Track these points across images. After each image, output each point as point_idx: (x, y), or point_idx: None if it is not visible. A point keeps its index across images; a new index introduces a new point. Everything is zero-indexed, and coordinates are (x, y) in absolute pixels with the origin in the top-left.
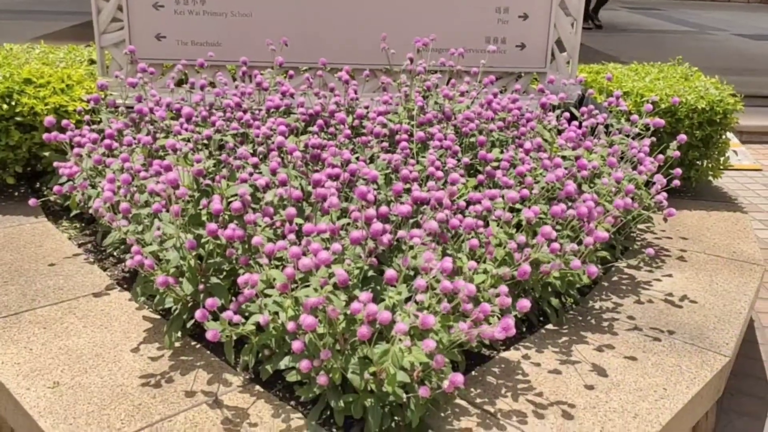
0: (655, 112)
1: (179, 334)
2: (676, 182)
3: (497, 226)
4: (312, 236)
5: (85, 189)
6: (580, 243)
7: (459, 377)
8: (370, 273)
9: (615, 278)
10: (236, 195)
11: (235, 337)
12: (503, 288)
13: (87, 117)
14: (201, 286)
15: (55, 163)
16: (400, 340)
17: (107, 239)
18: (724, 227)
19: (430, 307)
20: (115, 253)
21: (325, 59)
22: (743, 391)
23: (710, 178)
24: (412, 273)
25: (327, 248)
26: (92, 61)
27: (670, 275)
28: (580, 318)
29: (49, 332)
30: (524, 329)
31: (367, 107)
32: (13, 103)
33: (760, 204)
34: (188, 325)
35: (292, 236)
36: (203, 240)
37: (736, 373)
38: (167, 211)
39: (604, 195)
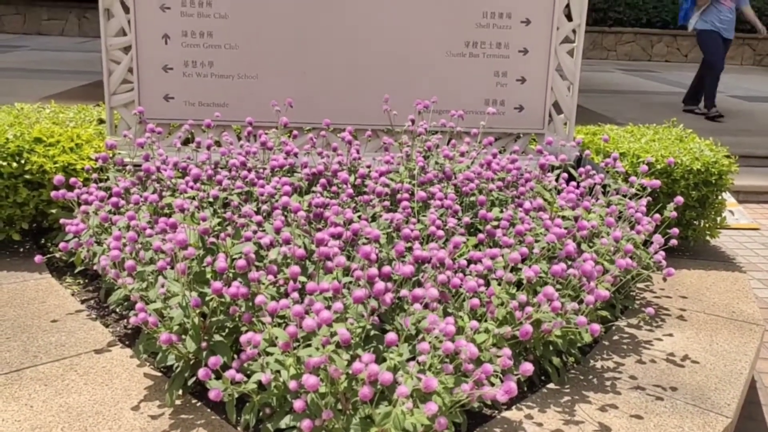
0: (651, 173)
1: (180, 392)
2: (674, 241)
3: (498, 285)
4: (315, 295)
5: (90, 246)
6: (581, 302)
7: None
8: (372, 332)
9: (616, 337)
10: (241, 253)
11: (236, 395)
12: (506, 351)
13: (95, 175)
14: (204, 344)
15: (62, 220)
16: (402, 402)
17: (112, 297)
18: (723, 287)
19: (431, 368)
20: (117, 310)
21: (328, 120)
22: None
23: (708, 237)
24: (413, 332)
25: (329, 307)
26: (101, 121)
27: (670, 335)
28: (582, 377)
29: (50, 389)
30: (525, 388)
31: (369, 167)
32: (22, 162)
33: (759, 263)
34: (189, 382)
35: (295, 294)
36: (207, 298)
37: None
38: (172, 268)
39: (603, 254)
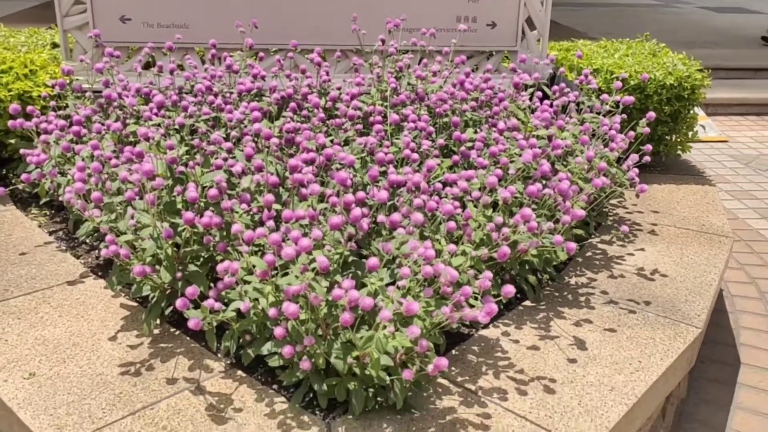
0: (625, 89)
1: (158, 321)
2: (647, 158)
3: (474, 207)
4: (291, 223)
5: (54, 177)
6: (557, 222)
7: (443, 361)
8: (351, 258)
9: (589, 254)
10: (212, 182)
11: (215, 324)
12: (487, 273)
13: (53, 103)
14: (179, 274)
15: (22, 151)
16: (384, 326)
17: (80, 230)
18: (693, 200)
19: (410, 291)
20: (87, 241)
21: (295, 41)
22: (713, 358)
23: (679, 152)
24: (391, 257)
25: (306, 234)
26: (55, 45)
27: (642, 249)
28: (557, 294)
29: (23, 323)
30: (502, 306)
31: (339, 89)
32: None
33: (727, 175)
34: (167, 312)
35: (270, 223)
36: (180, 228)
37: (706, 341)
38: (141, 198)
39: (578, 173)
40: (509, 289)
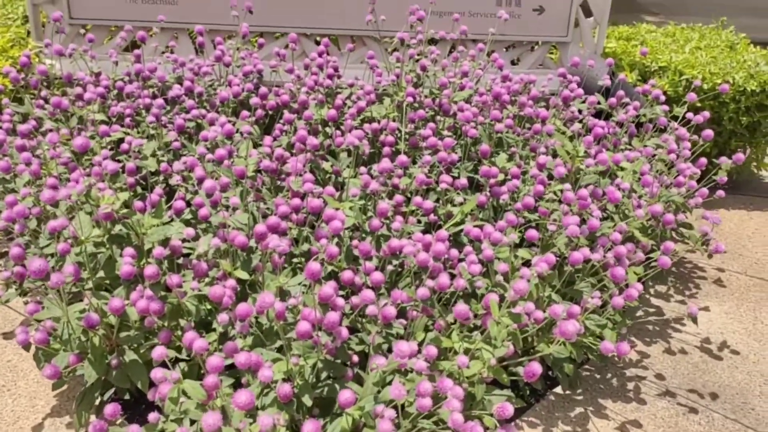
0: (695, 90)
1: (92, 411)
2: (721, 193)
3: (497, 306)
4: (250, 319)
5: None
6: (604, 306)
7: None
8: (324, 375)
9: (640, 313)
10: (165, 239)
11: None
12: (508, 407)
13: (6, 100)
14: (114, 361)
15: None
16: None
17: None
18: None
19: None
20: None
21: (294, 35)
22: None
23: (753, 169)
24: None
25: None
26: (28, 19)
27: (706, 309)
28: (598, 376)
29: None
30: (527, 392)
31: (351, 85)
32: None
33: None
34: (105, 397)
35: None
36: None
37: None
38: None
39: (637, 226)
40: (535, 369)
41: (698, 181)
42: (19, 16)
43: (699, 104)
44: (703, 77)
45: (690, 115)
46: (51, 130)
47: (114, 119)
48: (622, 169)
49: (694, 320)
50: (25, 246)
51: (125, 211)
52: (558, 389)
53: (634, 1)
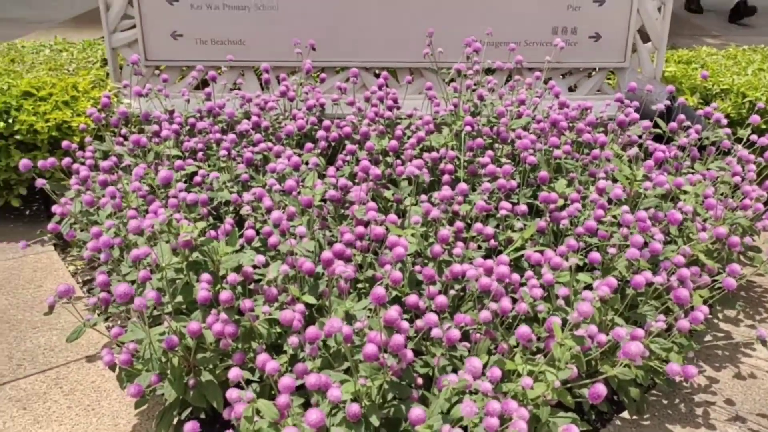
0: (758, 112)
1: (170, 431)
2: None
3: (560, 328)
4: (319, 342)
5: (71, 239)
6: (669, 330)
7: None
8: (389, 396)
9: (708, 338)
10: (238, 266)
11: None
12: (573, 428)
13: (88, 138)
14: (191, 381)
15: (53, 207)
16: None
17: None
18: None
19: None
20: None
21: (356, 70)
22: None
23: None
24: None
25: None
26: (106, 62)
27: None
28: (666, 402)
29: (27, 416)
30: (593, 416)
31: (410, 116)
32: (10, 121)
33: None
34: (183, 416)
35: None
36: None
37: None
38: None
39: (701, 250)
40: (600, 390)
41: (765, 204)
42: (98, 59)
43: (763, 126)
44: (767, 99)
45: (754, 137)
46: (129, 165)
47: (187, 154)
48: (685, 192)
49: (764, 343)
50: (108, 273)
51: (203, 239)
52: (624, 414)
53: (695, 25)
